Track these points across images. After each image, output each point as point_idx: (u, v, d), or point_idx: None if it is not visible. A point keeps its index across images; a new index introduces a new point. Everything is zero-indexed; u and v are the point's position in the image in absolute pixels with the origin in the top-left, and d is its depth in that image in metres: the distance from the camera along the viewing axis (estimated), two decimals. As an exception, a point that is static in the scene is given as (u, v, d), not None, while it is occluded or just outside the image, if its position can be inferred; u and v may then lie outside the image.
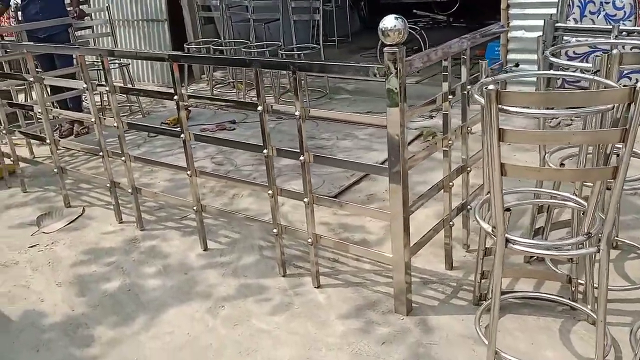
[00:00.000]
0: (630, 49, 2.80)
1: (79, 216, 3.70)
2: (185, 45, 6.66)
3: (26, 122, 4.85)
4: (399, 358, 2.24)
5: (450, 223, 2.72)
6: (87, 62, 3.34)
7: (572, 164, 2.71)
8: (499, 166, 1.85)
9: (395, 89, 2.14)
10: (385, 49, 2.13)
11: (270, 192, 2.71)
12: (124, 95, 6.17)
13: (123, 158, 3.29)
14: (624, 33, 2.87)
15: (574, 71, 2.66)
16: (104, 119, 3.37)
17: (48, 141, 3.74)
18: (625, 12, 4.61)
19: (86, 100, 4.88)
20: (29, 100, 5.61)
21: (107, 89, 3.21)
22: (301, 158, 2.54)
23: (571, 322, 2.34)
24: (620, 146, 1.76)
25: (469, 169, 2.77)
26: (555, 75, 2.96)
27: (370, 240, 3.12)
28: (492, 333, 2.05)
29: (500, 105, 1.79)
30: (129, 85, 6.07)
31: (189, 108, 5.34)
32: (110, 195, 3.54)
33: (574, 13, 4.78)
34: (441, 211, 2.76)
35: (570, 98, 1.85)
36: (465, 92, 2.65)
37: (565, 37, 3.90)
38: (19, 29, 5.12)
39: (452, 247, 2.78)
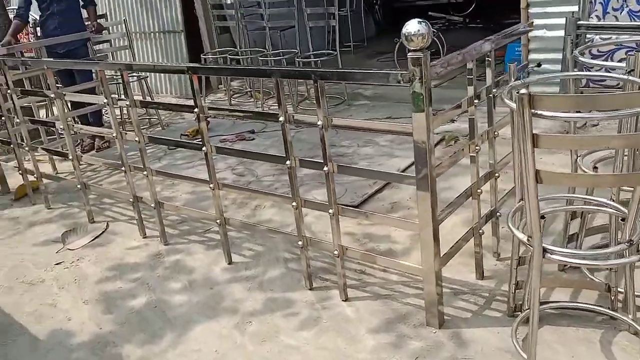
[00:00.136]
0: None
1: (103, 232, 3.70)
2: (202, 56, 6.66)
3: (48, 138, 4.88)
4: (433, 373, 2.18)
5: (480, 231, 2.65)
6: (106, 76, 3.34)
7: (605, 167, 2.62)
8: (534, 174, 1.78)
9: (421, 94, 2.09)
10: (410, 54, 2.08)
11: (294, 203, 2.67)
12: (144, 108, 6.20)
13: (145, 172, 3.27)
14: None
15: (607, 71, 2.57)
16: (125, 133, 3.37)
17: (70, 157, 3.75)
18: (650, 7, 4.49)
19: (106, 114, 4.89)
20: (50, 115, 5.65)
21: (128, 103, 3.21)
22: (325, 169, 2.49)
23: (612, 333, 2.25)
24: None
25: (497, 174, 2.70)
26: (589, 77, 2.86)
27: (396, 250, 3.06)
28: (532, 346, 1.97)
29: (533, 110, 1.73)
30: (148, 98, 6.10)
31: (208, 119, 5.32)
32: (133, 210, 3.53)
33: (596, 10, 4.66)
34: (467, 218, 2.69)
35: (610, 100, 1.77)
36: (491, 95, 2.58)
37: (588, 35, 3.80)
38: (38, 45, 5.16)
39: (482, 255, 2.70)
